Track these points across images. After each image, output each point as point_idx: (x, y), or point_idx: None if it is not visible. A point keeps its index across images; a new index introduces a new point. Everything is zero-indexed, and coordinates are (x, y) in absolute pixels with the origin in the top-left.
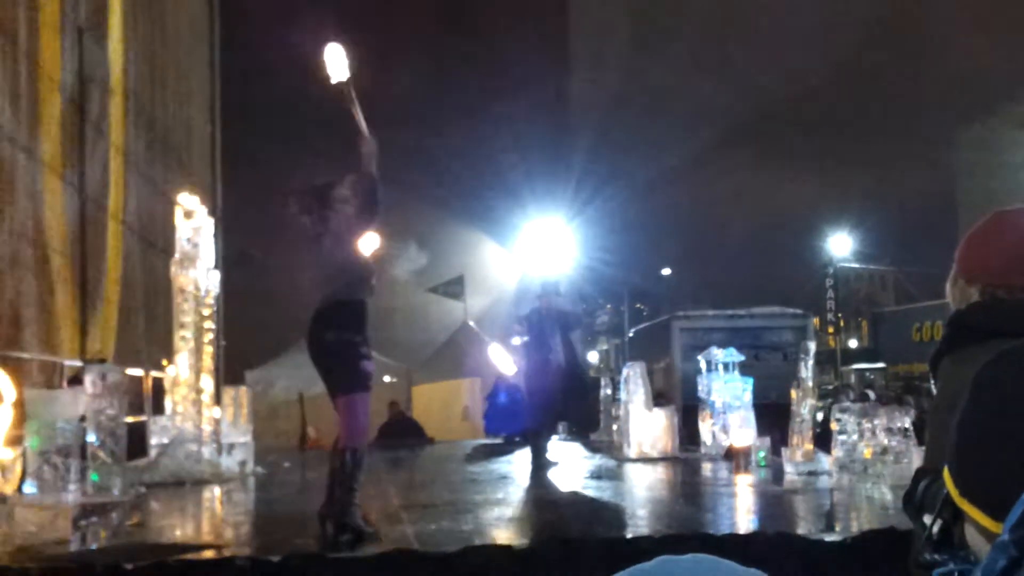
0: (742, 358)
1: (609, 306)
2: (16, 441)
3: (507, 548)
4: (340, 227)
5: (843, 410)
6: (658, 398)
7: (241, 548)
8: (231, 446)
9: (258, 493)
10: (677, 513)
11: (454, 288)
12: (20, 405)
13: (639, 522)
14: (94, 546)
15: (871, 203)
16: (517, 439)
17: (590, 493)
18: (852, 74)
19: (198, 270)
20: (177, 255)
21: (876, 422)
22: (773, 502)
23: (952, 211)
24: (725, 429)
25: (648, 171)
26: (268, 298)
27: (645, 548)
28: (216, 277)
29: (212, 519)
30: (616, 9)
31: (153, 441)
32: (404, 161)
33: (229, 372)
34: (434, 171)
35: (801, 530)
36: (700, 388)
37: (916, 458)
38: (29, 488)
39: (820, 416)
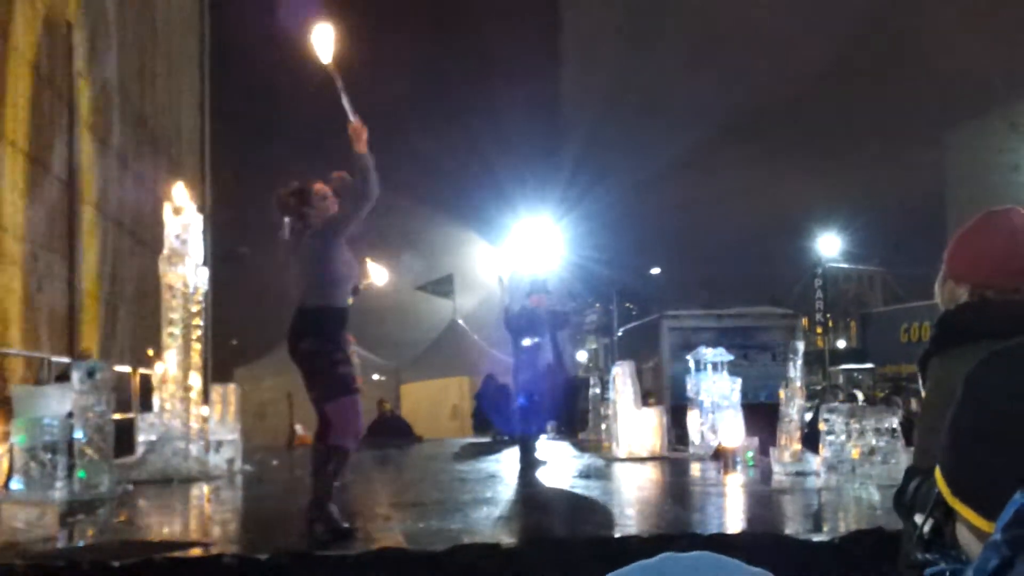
0: (731, 358)
1: (598, 305)
2: (3, 437)
3: (496, 547)
4: (319, 226)
5: (831, 410)
6: (647, 398)
7: (228, 546)
8: (219, 444)
9: (246, 491)
10: (665, 513)
11: (443, 287)
12: (7, 402)
13: (627, 522)
14: (81, 543)
15: (860, 203)
16: (506, 438)
17: (579, 492)
18: (842, 75)
19: (187, 267)
20: (166, 251)
21: (864, 422)
22: (761, 502)
23: (941, 212)
24: (714, 429)
25: (637, 170)
26: (257, 296)
27: (633, 548)
28: (205, 274)
29: (200, 517)
30: (607, 8)
31: (141, 438)
32: (394, 160)
33: (218, 369)
34: (424, 170)
35: (789, 530)
36: (689, 388)
37: (904, 459)
38: (16, 485)
39: (808, 416)
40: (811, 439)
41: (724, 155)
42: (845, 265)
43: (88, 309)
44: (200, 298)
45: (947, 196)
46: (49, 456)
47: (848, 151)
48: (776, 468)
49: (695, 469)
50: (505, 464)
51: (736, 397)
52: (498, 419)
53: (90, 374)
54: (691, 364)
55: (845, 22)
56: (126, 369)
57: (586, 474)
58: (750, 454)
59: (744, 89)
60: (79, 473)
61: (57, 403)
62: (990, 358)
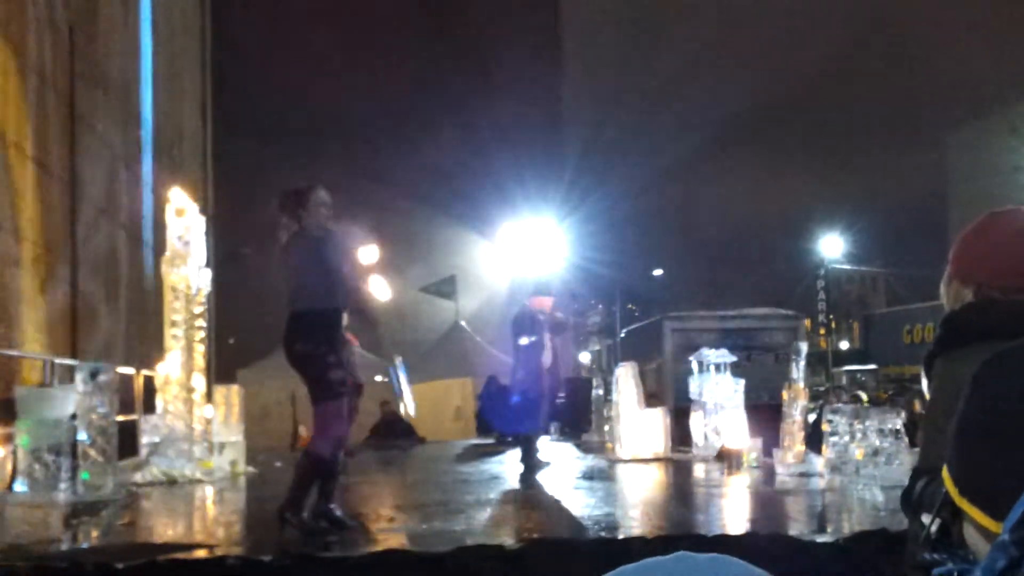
0: (734, 359)
1: (601, 306)
2: (7, 439)
3: (499, 548)
4: (312, 231)
5: (834, 411)
6: (650, 399)
7: (232, 547)
8: (222, 445)
9: (249, 492)
10: (669, 514)
11: (446, 288)
12: (10, 403)
13: (631, 523)
14: (85, 545)
15: (863, 205)
16: (509, 439)
17: (582, 494)
18: (844, 77)
19: (189, 268)
20: (168, 253)
21: (867, 423)
22: (765, 503)
23: (943, 213)
24: (717, 430)
25: (640, 172)
26: (260, 297)
27: (637, 549)
28: (207, 275)
29: (203, 518)
30: (609, 9)
31: (144, 440)
32: (397, 161)
33: (221, 371)
34: (426, 171)
35: (793, 531)
36: (692, 389)
37: (907, 459)
38: (20, 487)
39: (812, 417)
40: (814, 440)
41: (726, 156)
42: (848, 266)
43: (90, 311)
44: (203, 299)
45: (949, 197)
46: (53, 458)
47: (850, 153)
48: (779, 469)
49: (698, 470)
50: (508, 465)
51: (739, 398)
52: (498, 420)
53: (93, 376)
54: (694, 365)
55: (847, 23)
56: (129, 371)
57: (589, 475)
58: (753, 455)
59: (746, 90)
60: (83, 475)
61: (61, 405)
62: (997, 358)
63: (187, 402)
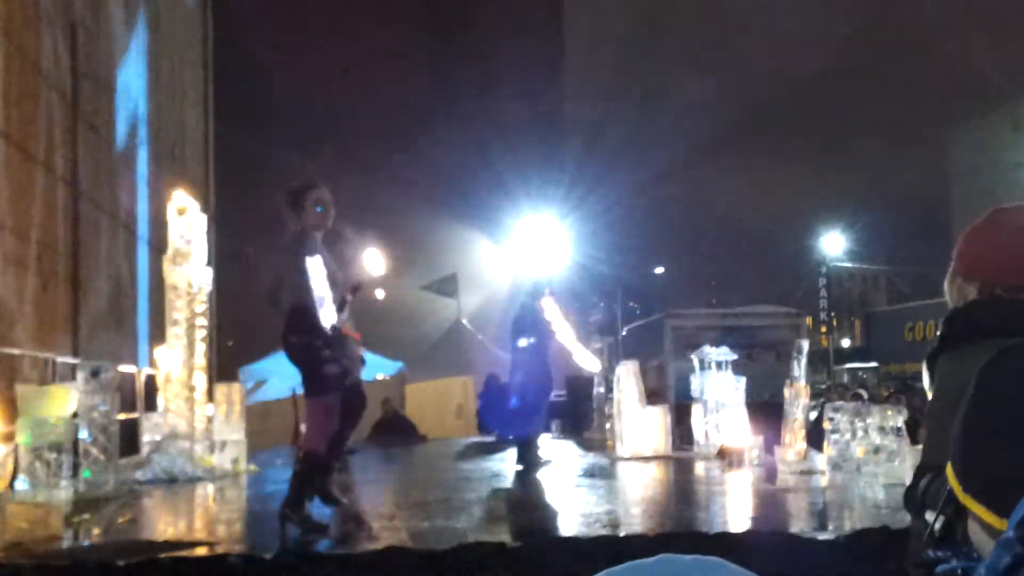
0: (735, 357)
1: (602, 304)
2: (8, 437)
3: (500, 546)
4: (302, 228)
5: (836, 409)
6: (651, 396)
7: (234, 545)
8: (224, 443)
9: (251, 490)
10: (670, 512)
11: (447, 286)
12: (12, 401)
13: (632, 520)
14: (86, 543)
15: (864, 203)
16: (510, 438)
17: (583, 491)
18: (846, 73)
19: (191, 267)
20: (170, 252)
21: (869, 421)
22: (766, 501)
23: (945, 211)
24: (718, 428)
25: (641, 169)
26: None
27: (638, 547)
28: (209, 274)
29: (205, 516)
30: (611, 8)
31: (145, 438)
32: (399, 159)
33: (222, 369)
34: (428, 170)
35: (794, 529)
36: (693, 386)
37: (909, 457)
38: (21, 484)
39: (813, 415)
40: (816, 438)
41: (728, 154)
42: (849, 264)
43: (91, 310)
44: (204, 298)
45: (951, 195)
46: (54, 456)
47: (852, 150)
48: (781, 467)
49: (699, 468)
50: (510, 463)
51: (740, 396)
52: (495, 422)
53: (94, 374)
54: (695, 363)
55: (848, 21)
56: (130, 369)
57: (590, 473)
58: (755, 453)
59: (748, 88)
60: (84, 473)
61: (61, 403)
62: (1001, 355)
63: (188, 400)
